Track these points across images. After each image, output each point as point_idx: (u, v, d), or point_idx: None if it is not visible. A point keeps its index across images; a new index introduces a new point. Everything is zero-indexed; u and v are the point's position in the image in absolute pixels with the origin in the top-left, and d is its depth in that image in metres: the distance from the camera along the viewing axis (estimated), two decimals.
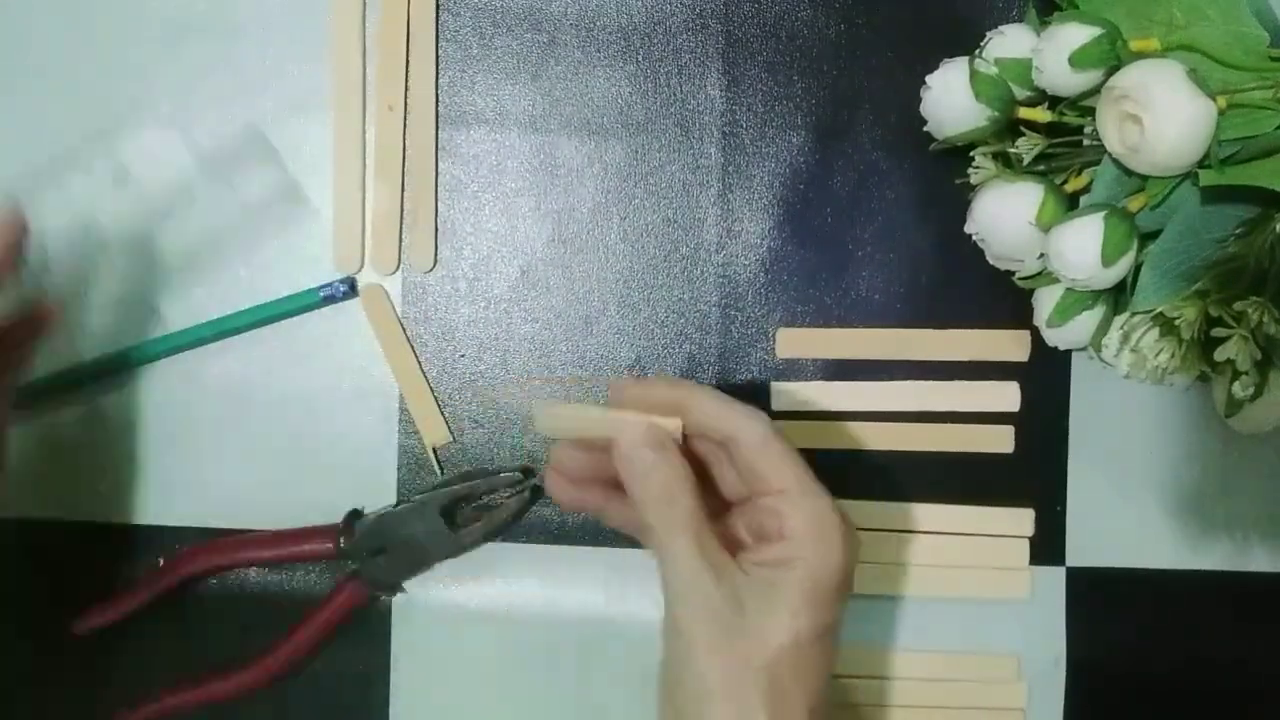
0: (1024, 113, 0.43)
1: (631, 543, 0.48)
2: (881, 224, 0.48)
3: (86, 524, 0.48)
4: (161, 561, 0.48)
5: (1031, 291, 0.45)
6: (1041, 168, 0.44)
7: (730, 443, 0.38)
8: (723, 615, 0.36)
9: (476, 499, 0.47)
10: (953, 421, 0.48)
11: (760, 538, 0.38)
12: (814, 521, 0.37)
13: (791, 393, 0.48)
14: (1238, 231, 0.40)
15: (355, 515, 0.47)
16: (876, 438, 0.48)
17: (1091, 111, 0.41)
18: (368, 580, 0.47)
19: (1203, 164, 0.39)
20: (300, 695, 0.48)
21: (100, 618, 0.47)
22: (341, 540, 0.47)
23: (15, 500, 0.48)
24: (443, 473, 0.48)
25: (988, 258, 0.45)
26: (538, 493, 0.48)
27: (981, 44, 0.44)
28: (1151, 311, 0.41)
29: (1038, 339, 0.46)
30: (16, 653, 0.48)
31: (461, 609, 0.48)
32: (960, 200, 0.45)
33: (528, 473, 0.48)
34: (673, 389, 0.39)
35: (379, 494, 0.48)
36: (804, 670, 0.36)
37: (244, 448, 0.48)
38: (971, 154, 0.45)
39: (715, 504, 0.40)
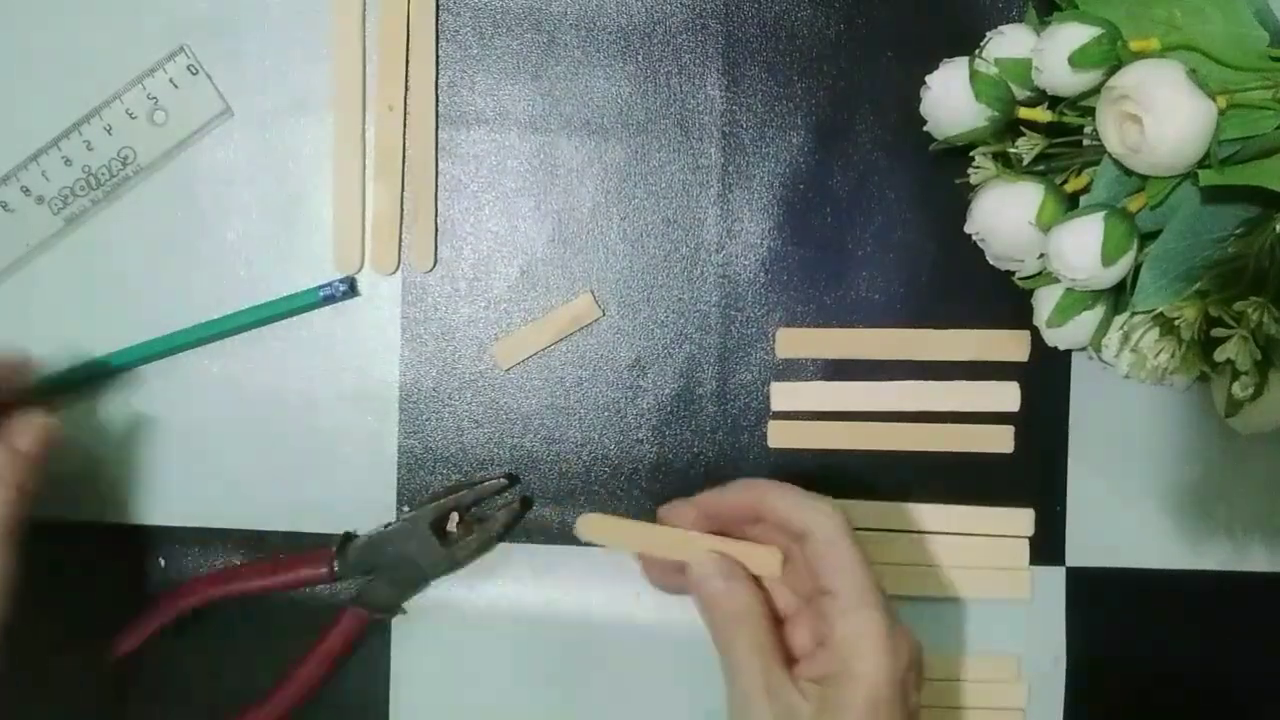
0: (1024, 113, 0.43)
1: None
2: (881, 224, 0.48)
3: (86, 524, 0.48)
4: (163, 561, 0.48)
5: (1031, 291, 0.45)
6: (1041, 168, 0.44)
7: (802, 537, 0.38)
8: None
9: (465, 510, 0.47)
10: (953, 421, 0.48)
11: (817, 643, 0.39)
12: (859, 634, 0.37)
13: (791, 393, 0.48)
14: (1238, 231, 0.40)
15: (348, 538, 0.47)
16: (876, 438, 0.48)
17: (1091, 111, 0.41)
18: (365, 604, 0.47)
19: (1203, 164, 0.39)
20: None
21: (137, 636, 0.46)
22: (335, 564, 0.47)
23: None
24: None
25: (988, 258, 0.45)
26: (527, 503, 0.48)
27: (981, 44, 0.44)
28: (1151, 311, 0.41)
29: (1038, 339, 0.46)
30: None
31: (461, 617, 0.48)
32: (960, 200, 0.45)
33: (512, 479, 0.48)
34: (748, 490, 0.40)
35: (379, 494, 0.48)
36: None
37: (243, 448, 0.48)
38: (971, 154, 0.45)
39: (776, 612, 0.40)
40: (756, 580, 0.40)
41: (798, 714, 0.37)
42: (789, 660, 0.39)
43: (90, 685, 0.47)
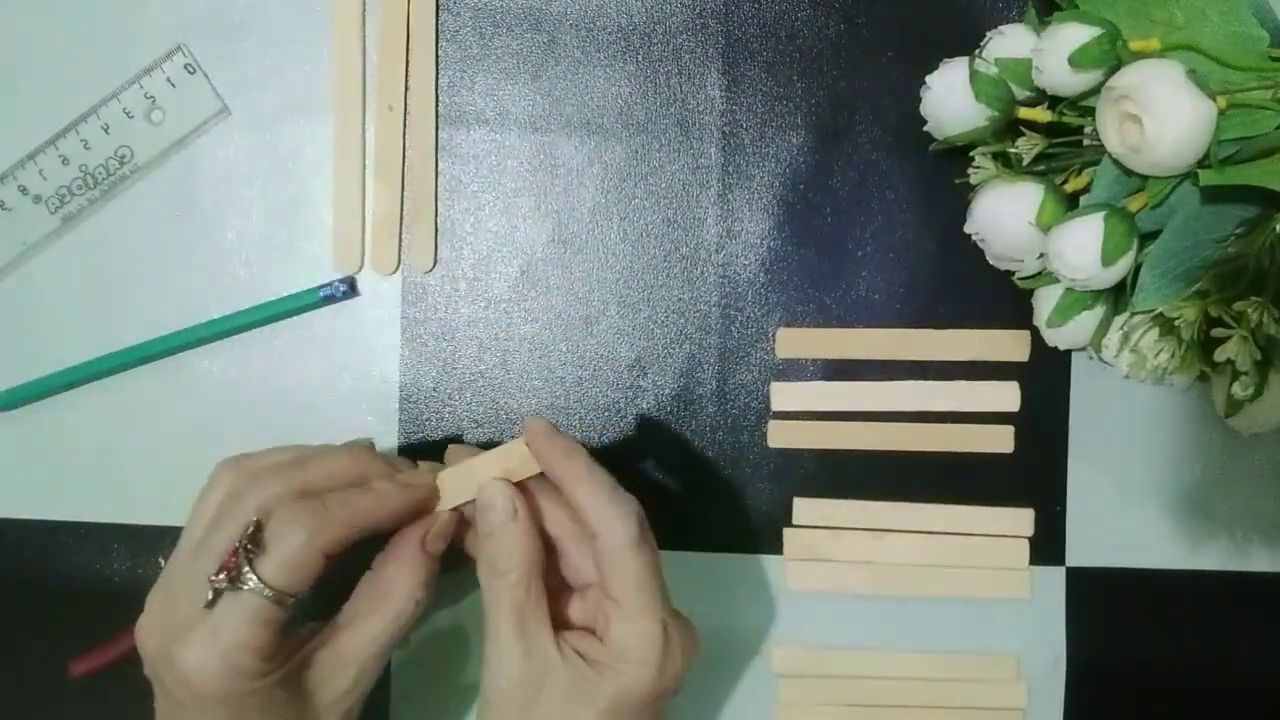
0: (1024, 113, 0.43)
1: None
2: (881, 224, 0.48)
3: (85, 524, 0.48)
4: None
5: (1031, 291, 0.45)
6: (1041, 168, 0.44)
7: (593, 535, 0.38)
8: (518, 696, 0.37)
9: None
10: (953, 421, 0.48)
11: (588, 628, 0.39)
12: (635, 642, 0.37)
13: (791, 393, 0.48)
14: (1238, 231, 0.41)
15: None
16: (876, 438, 0.48)
17: (1091, 111, 0.41)
18: None
19: (1203, 164, 0.39)
20: None
21: (93, 661, 0.46)
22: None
23: (13, 501, 0.48)
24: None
25: (988, 258, 0.45)
26: None
27: (981, 44, 0.44)
28: (1151, 311, 0.41)
29: (1038, 339, 0.46)
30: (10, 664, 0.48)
31: (461, 617, 0.48)
32: (960, 200, 0.45)
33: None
34: (564, 462, 0.39)
35: None
36: None
37: (243, 448, 0.48)
38: (971, 154, 0.45)
39: (558, 581, 0.41)
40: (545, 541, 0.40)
41: (550, 671, 0.37)
42: (565, 624, 0.39)
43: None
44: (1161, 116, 0.38)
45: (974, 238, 0.44)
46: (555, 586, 0.40)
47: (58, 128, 0.47)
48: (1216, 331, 0.40)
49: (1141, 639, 0.48)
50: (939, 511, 0.48)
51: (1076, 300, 0.43)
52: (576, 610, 0.40)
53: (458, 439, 0.48)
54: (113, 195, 0.48)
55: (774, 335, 0.48)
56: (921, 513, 0.48)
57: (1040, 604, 0.48)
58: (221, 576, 0.36)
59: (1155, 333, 0.41)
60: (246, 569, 0.36)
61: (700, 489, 0.48)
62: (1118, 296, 0.43)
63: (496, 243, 0.48)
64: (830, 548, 0.48)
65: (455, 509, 0.41)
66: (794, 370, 0.48)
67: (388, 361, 0.48)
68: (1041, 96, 0.43)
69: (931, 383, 0.48)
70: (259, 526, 0.36)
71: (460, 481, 0.41)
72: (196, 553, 0.37)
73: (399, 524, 0.40)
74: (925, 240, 0.48)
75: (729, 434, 0.48)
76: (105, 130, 0.47)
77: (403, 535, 0.40)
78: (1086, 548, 0.48)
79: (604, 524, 0.38)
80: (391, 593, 0.39)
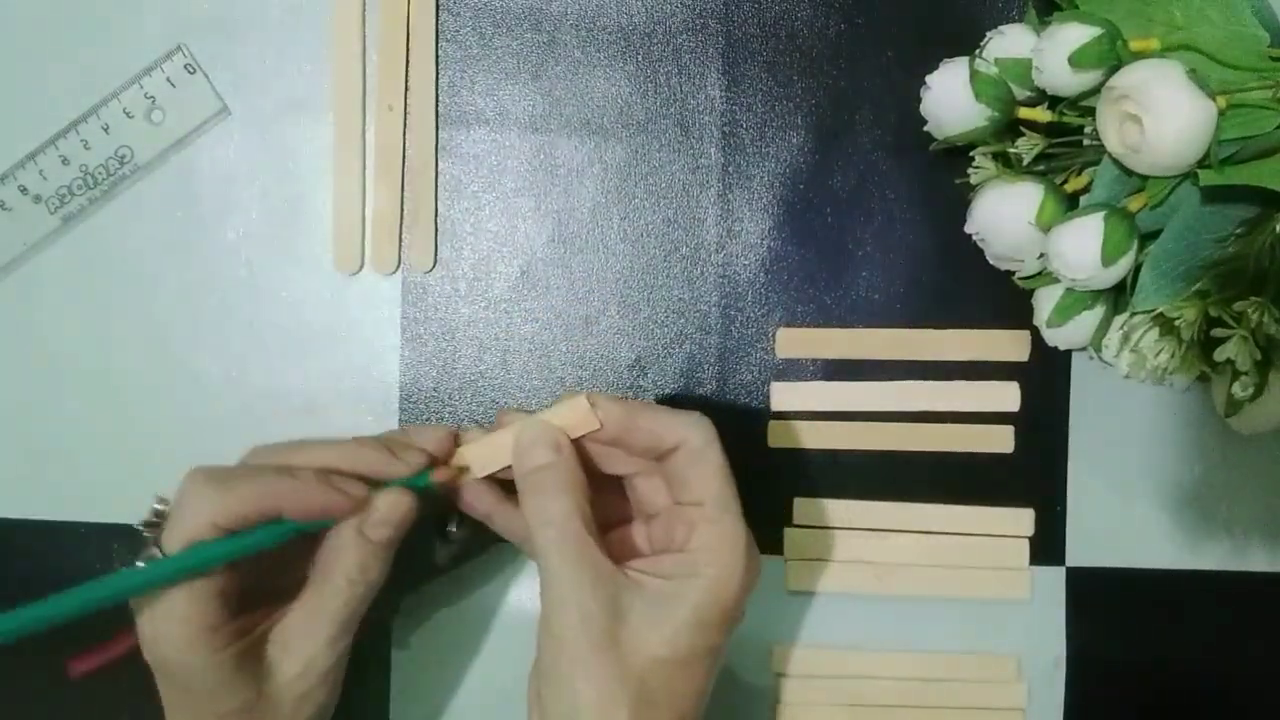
0: (1024, 113, 0.43)
1: None
2: (881, 224, 0.48)
3: (86, 524, 0.48)
4: None
5: (1031, 291, 0.45)
6: (1041, 168, 0.44)
7: (673, 449, 0.39)
8: (598, 621, 0.36)
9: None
10: (953, 421, 0.48)
11: (663, 548, 0.39)
12: (722, 540, 0.37)
13: (791, 393, 0.48)
14: (1238, 231, 0.41)
15: None
16: (876, 438, 0.48)
17: (1091, 111, 0.41)
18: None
19: (1203, 164, 0.39)
20: None
21: (93, 661, 0.46)
22: None
23: (13, 501, 0.48)
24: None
25: (988, 258, 0.45)
26: None
27: (981, 44, 0.44)
28: (1151, 311, 0.41)
29: (1038, 339, 0.46)
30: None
31: (461, 617, 0.48)
32: (960, 200, 0.45)
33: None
34: (624, 403, 0.40)
35: None
36: (677, 687, 0.36)
37: (243, 448, 0.48)
38: (971, 154, 0.45)
39: (606, 517, 0.41)
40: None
41: (625, 594, 0.37)
42: (628, 556, 0.39)
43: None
44: (1161, 116, 0.38)
45: (974, 238, 0.44)
46: (604, 525, 0.40)
47: (58, 128, 0.47)
48: (1216, 331, 0.40)
49: (1141, 639, 0.48)
50: (939, 511, 0.48)
51: (1076, 300, 0.43)
52: (640, 540, 0.41)
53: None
54: (113, 195, 0.48)
55: (774, 335, 0.48)
56: (921, 513, 0.48)
57: (1040, 604, 0.48)
58: (143, 554, 0.37)
59: (1155, 333, 0.41)
60: (151, 544, 0.37)
61: None
62: (1118, 296, 0.43)
63: (496, 243, 0.48)
64: (830, 548, 0.48)
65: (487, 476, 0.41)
66: (794, 370, 0.48)
67: (388, 361, 0.48)
68: (1041, 96, 0.43)
69: (931, 383, 0.48)
70: (164, 502, 0.38)
71: (494, 449, 0.41)
72: None
73: (325, 516, 0.39)
74: (925, 240, 0.48)
75: (729, 434, 0.48)
76: (105, 130, 0.47)
77: (345, 520, 0.40)
78: (1086, 548, 0.48)
79: (682, 432, 0.39)
80: (326, 574, 0.39)
